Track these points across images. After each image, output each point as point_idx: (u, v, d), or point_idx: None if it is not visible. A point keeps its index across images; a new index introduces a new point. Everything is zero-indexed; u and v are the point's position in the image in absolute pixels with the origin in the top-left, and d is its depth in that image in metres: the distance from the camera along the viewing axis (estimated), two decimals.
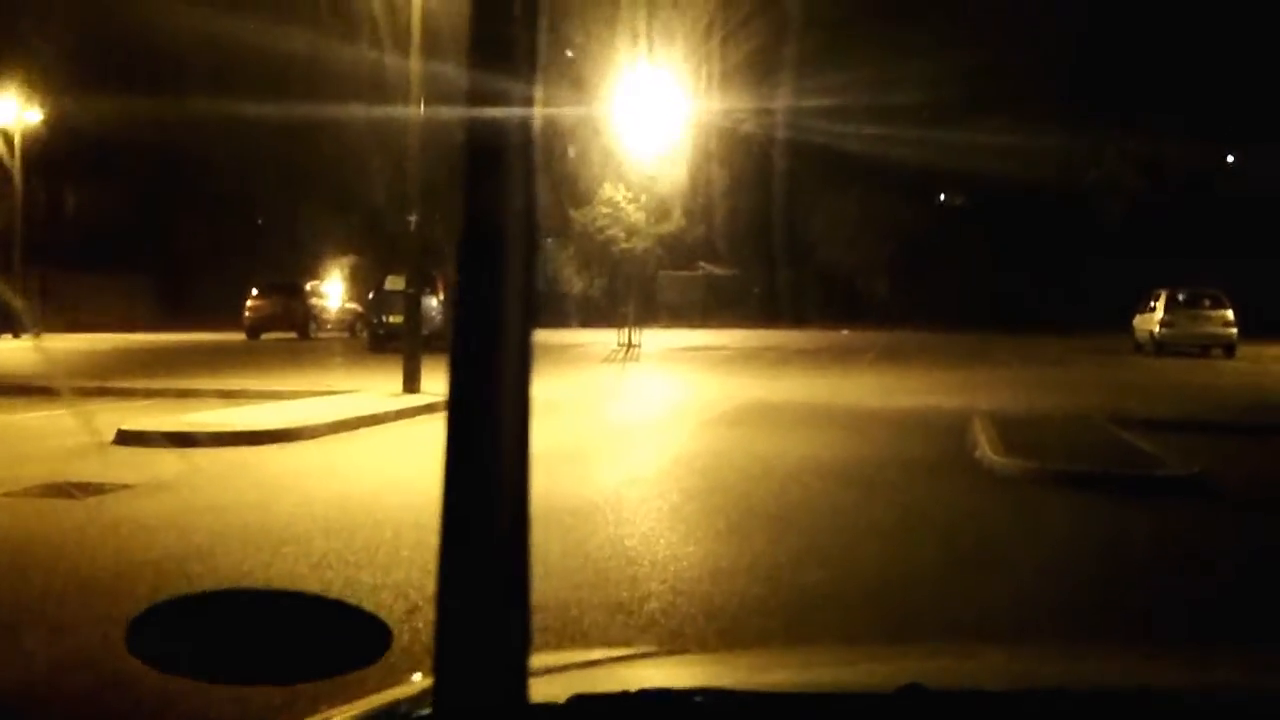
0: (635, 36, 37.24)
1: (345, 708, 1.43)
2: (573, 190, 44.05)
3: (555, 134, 40.28)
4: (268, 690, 3.99)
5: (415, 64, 15.79)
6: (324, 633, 1.04)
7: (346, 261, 43.03)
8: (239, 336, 33.50)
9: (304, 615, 1.06)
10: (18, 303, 30.62)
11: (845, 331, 40.00)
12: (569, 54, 35.26)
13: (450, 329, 0.86)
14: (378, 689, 1.52)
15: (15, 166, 35.07)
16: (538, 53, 0.89)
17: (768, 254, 47.14)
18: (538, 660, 1.96)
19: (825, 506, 8.22)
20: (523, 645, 0.84)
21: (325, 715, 1.41)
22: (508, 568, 0.84)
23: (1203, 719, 1.28)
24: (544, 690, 1.43)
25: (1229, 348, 27.91)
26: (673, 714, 1.23)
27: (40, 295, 35.48)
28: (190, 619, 1.04)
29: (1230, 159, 46.78)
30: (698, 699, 1.27)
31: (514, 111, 0.88)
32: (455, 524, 0.83)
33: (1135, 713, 1.30)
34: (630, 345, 27.63)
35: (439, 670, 0.84)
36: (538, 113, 0.89)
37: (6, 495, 8.40)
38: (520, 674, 0.84)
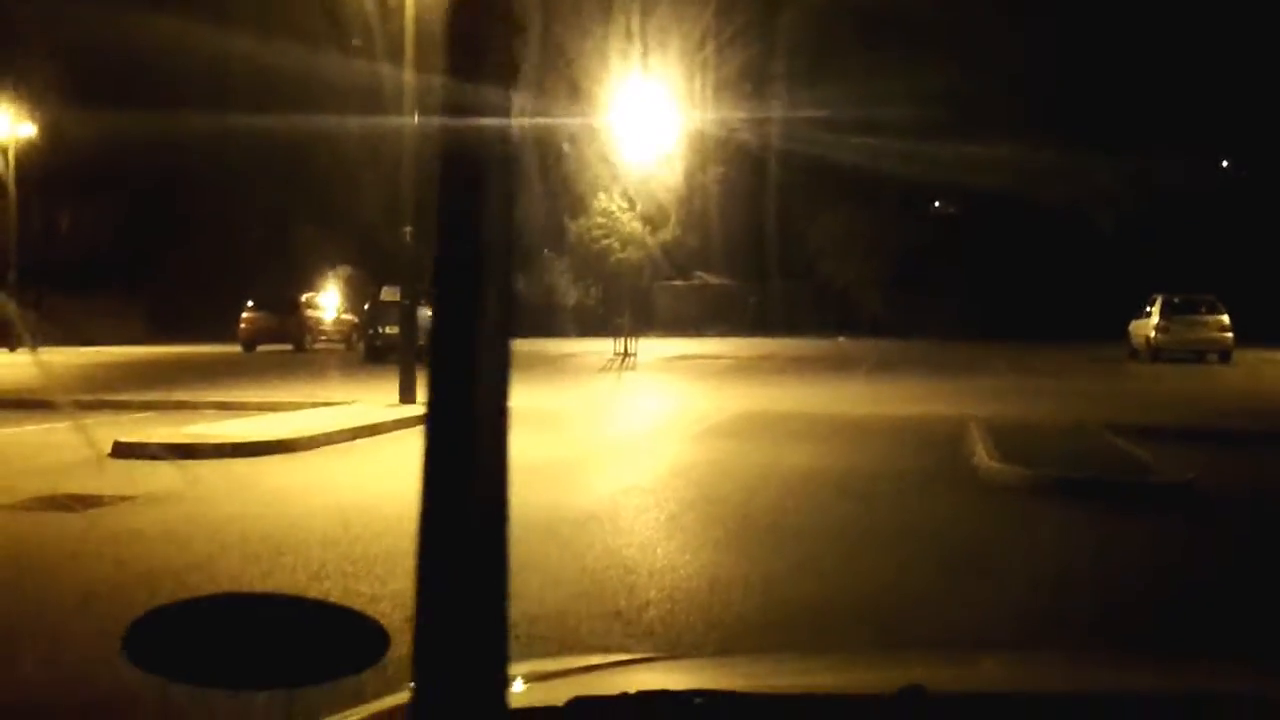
0: (630, 47, 37.32)
1: (344, 714, 1.45)
2: (569, 200, 44.11)
3: (551, 144, 40.33)
4: (269, 699, 4.00)
5: (409, 76, 15.84)
6: (321, 637, 1.05)
7: (342, 273, 43.04)
8: (235, 349, 33.50)
9: (301, 620, 1.07)
10: (17, 317, 30.60)
11: (841, 340, 40.05)
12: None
13: (429, 345, 0.87)
14: (376, 698, 1.54)
15: (10, 181, 35.09)
16: (516, 59, 0.89)
17: (763, 264, 47.18)
18: (537, 666, 1.98)
19: (822, 516, 8.24)
20: (501, 657, 0.85)
21: None
22: (486, 580, 0.85)
23: None
24: (543, 695, 1.45)
25: (1225, 354, 27.90)
26: (672, 716, 1.25)
27: (36, 310, 35.47)
28: (186, 625, 1.05)
29: (1225, 164, 46.91)
30: (697, 700, 1.28)
31: (492, 121, 0.88)
32: (433, 537, 0.85)
33: (1130, 716, 1.32)
34: (626, 355, 27.63)
35: (418, 683, 0.85)
36: (517, 122, 0.89)
37: (5, 508, 8.40)
38: (500, 685, 0.85)
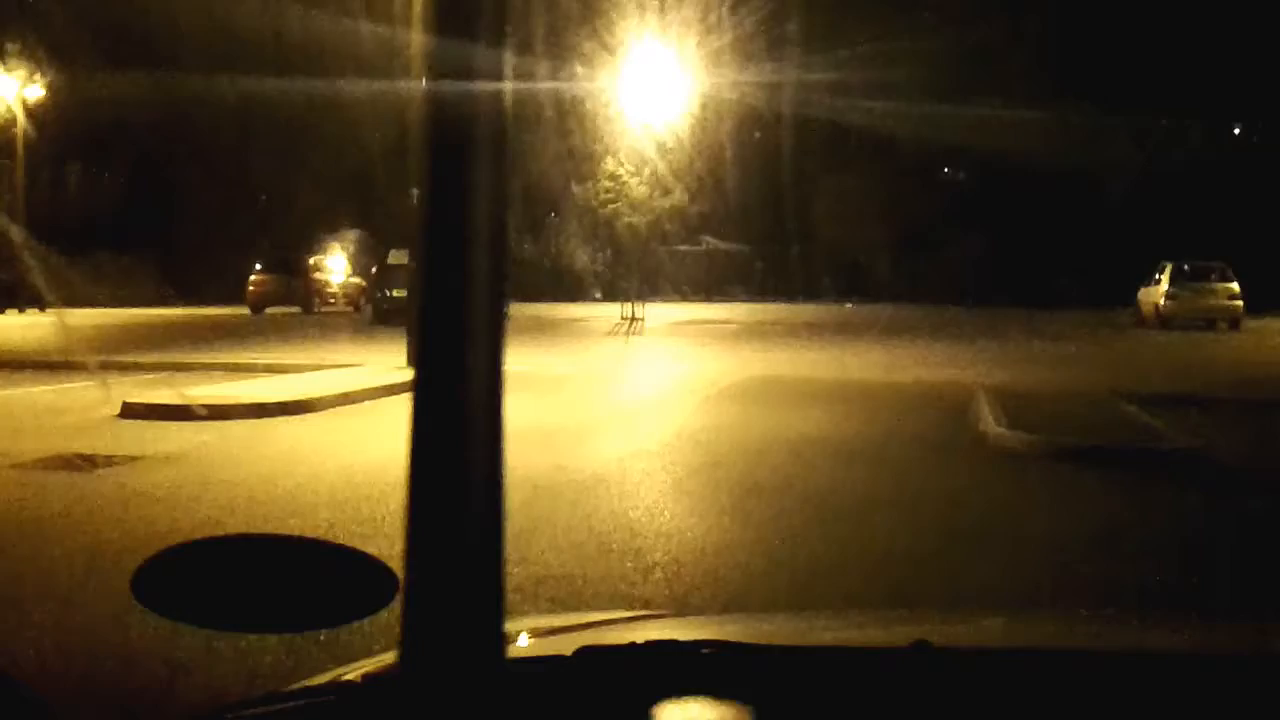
0: (640, 9, 37.02)
1: (350, 667, 1.45)
2: (575, 164, 43.92)
3: (557, 107, 40.12)
4: (275, 657, 4.00)
5: (416, 36, 15.74)
6: (331, 580, 1.03)
7: (350, 236, 43.00)
8: (243, 312, 33.54)
9: (311, 562, 1.05)
10: (40, 278, 30.58)
11: (849, 306, 40.01)
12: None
13: (413, 322, 0.84)
14: (382, 652, 1.54)
15: (19, 143, 35.03)
16: (506, 17, 0.85)
17: (772, 228, 47.02)
18: (545, 621, 1.98)
19: (829, 481, 8.24)
20: (498, 615, 0.83)
21: (334, 674, 1.43)
22: (480, 551, 0.83)
23: (1200, 680, 1.30)
24: (551, 646, 1.45)
25: (1234, 321, 27.79)
26: (679, 666, 1.24)
27: (47, 273, 35.47)
28: (196, 567, 1.04)
29: (1237, 130, 46.55)
30: (704, 651, 1.28)
31: (483, 84, 0.84)
32: (424, 514, 0.83)
33: (1137, 673, 1.32)
34: (633, 319, 27.62)
35: (406, 644, 0.83)
36: (512, 85, 0.86)
37: (14, 467, 8.44)
38: (495, 651, 0.83)
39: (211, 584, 1.01)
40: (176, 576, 1.02)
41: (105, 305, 33.54)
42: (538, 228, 46.97)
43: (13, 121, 35.35)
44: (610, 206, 44.33)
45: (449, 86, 0.83)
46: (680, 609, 5.05)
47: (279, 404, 11.57)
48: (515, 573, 5.32)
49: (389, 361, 15.44)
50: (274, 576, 1.01)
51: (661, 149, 40.36)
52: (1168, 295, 28.35)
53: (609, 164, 43.44)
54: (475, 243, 0.82)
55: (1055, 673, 1.29)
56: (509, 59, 0.84)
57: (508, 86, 0.84)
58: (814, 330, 27.20)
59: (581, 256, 47.54)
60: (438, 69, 0.83)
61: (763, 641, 1.45)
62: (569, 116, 41.21)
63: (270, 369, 15.37)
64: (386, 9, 20.07)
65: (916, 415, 11.81)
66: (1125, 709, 1.23)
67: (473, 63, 0.82)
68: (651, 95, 34.80)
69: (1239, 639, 1.67)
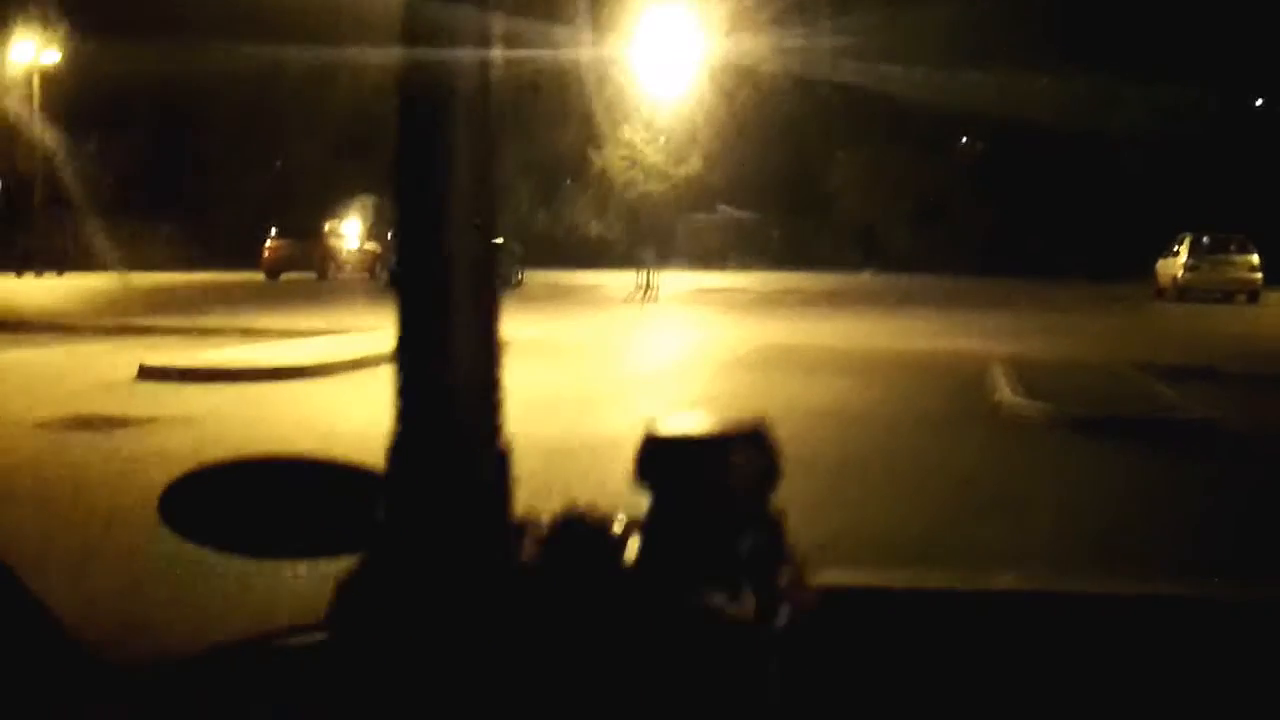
0: None
1: None
2: (591, 133, 43.82)
3: (575, 74, 39.99)
4: (294, 621, 4.02)
5: None
6: (363, 504, 0.99)
7: (365, 202, 42.99)
8: (258, 277, 33.59)
9: (350, 486, 1.01)
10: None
11: (865, 276, 39.88)
12: None
13: (395, 315, 0.80)
14: None
15: (35, 107, 35.06)
16: None
17: (788, 197, 46.89)
18: None
19: (841, 450, 8.23)
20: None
21: None
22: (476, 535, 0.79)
23: (1204, 621, 1.30)
24: None
25: (1253, 294, 27.62)
26: None
27: (63, 237, 35.59)
28: (229, 488, 1.00)
29: (1259, 102, 46.11)
30: None
31: (466, 51, 0.77)
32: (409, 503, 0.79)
33: (1144, 614, 1.32)
34: (649, 287, 27.59)
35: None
36: (496, 53, 0.78)
37: (35, 426, 8.49)
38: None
39: (244, 506, 0.97)
40: (205, 497, 0.99)
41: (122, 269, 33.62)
42: (553, 195, 46.88)
43: (30, 86, 35.39)
44: (626, 174, 44.27)
45: (427, 54, 0.76)
46: None
47: (293, 368, 11.60)
48: None
49: None
50: (307, 500, 0.97)
51: (678, 117, 40.22)
52: (1186, 267, 28.18)
53: (625, 132, 43.32)
54: (456, 214, 0.77)
55: (1070, 616, 1.29)
56: (496, 22, 0.77)
57: (496, 50, 0.77)
58: (830, 299, 27.12)
59: (596, 225, 47.46)
60: (415, 30, 0.77)
61: None
62: (587, 84, 41.05)
63: (286, 333, 15.41)
64: None
65: (933, 384, 11.78)
66: (1140, 649, 1.22)
67: (455, 27, 0.75)
68: (668, 63, 34.65)
69: (1250, 590, 1.67)
